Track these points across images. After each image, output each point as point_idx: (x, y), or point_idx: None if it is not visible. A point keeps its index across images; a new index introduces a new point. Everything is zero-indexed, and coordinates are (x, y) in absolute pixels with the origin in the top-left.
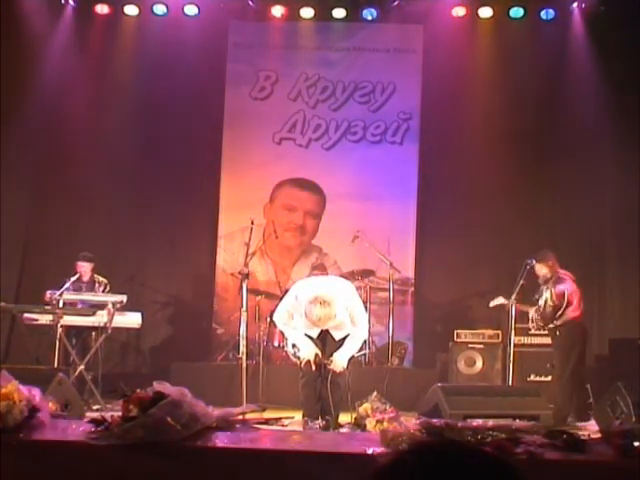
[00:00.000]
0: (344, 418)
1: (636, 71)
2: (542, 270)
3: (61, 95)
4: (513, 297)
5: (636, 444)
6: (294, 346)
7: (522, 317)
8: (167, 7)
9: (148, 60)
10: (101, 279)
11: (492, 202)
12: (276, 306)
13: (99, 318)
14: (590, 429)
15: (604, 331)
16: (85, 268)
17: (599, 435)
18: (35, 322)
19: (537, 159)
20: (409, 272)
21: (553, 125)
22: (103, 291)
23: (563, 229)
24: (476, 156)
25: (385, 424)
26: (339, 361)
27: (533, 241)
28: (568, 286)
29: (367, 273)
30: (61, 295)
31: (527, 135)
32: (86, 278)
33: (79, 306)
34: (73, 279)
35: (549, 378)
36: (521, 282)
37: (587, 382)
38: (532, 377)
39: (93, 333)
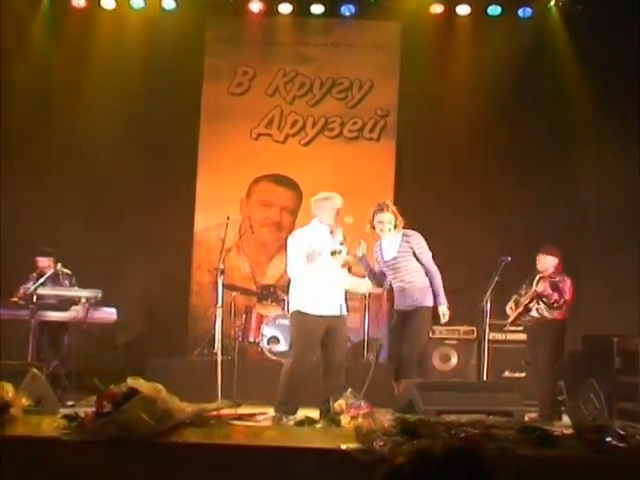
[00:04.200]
0: (313, 414)
1: (614, 69)
2: (553, 261)
3: (36, 88)
4: (488, 294)
5: (608, 440)
6: (270, 341)
7: (497, 313)
8: (144, 1)
9: (124, 55)
10: (65, 271)
11: (469, 199)
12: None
13: (74, 313)
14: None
15: (577, 328)
16: (44, 263)
17: (572, 431)
18: (8, 317)
19: (516, 156)
20: None
21: (532, 122)
22: (70, 284)
23: (539, 227)
24: (454, 153)
25: (359, 420)
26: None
27: (508, 239)
28: (569, 283)
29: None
30: (36, 290)
31: (505, 132)
32: (49, 272)
33: (51, 301)
34: (42, 276)
35: (523, 374)
36: (496, 279)
37: (560, 379)
38: (506, 373)
39: (67, 328)
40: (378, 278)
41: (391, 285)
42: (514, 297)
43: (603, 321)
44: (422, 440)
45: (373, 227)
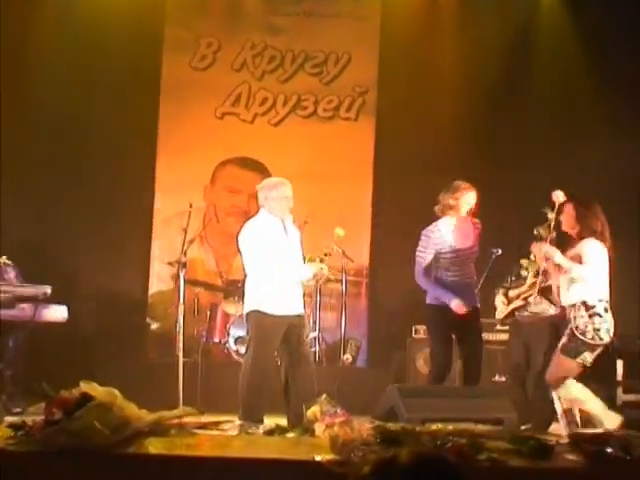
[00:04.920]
0: (284, 422)
1: (610, 44)
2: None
3: None
4: (476, 290)
5: (608, 450)
6: (237, 342)
7: (486, 311)
8: None
9: (76, 25)
10: (9, 264)
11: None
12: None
13: (20, 311)
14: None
15: None
16: None
17: (567, 441)
18: None
19: (505, 136)
20: (364, 261)
21: (521, 99)
22: (16, 277)
23: (532, 216)
24: (438, 134)
25: (335, 429)
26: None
27: (499, 229)
28: None
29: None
30: None
31: (494, 111)
32: None
33: None
34: None
35: None
36: (485, 274)
37: None
38: (497, 377)
39: (13, 328)
40: None
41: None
42: (501, 290)
43: None
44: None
45: (450, 208)
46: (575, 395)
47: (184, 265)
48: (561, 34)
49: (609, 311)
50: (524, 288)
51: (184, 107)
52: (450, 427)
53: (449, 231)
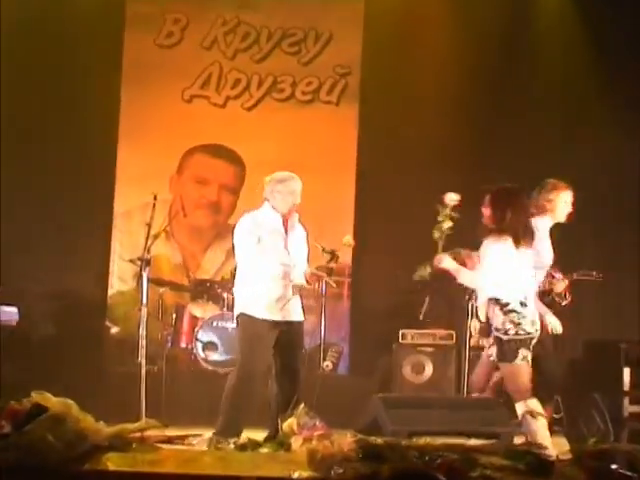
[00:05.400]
0: (257, 435)
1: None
2: None
3: None
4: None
5: (614, 467)
6: (206, 348)
7: None
8: None
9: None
10: None
11: (447, 173)
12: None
13: None
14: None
15: (578, 332)
16: None
17: (569, 456)
18: None
19: (500, 117)
20: (346, 258)
21: (518, 76)
22: None
23: None
24: (428, 119)
25: (314, 443)
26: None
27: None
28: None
29: None
30: None
31: (489, 91)
32: None
33: None
34: None
35: None
36: None
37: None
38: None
39: None
40: None
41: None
42: None
43: (609, 323)
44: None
45: (545, 211)
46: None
47: (147, 263)
48: (560, 19)
49: (528, 305)
50: None
51: (148, 89)
52: (440, 441)
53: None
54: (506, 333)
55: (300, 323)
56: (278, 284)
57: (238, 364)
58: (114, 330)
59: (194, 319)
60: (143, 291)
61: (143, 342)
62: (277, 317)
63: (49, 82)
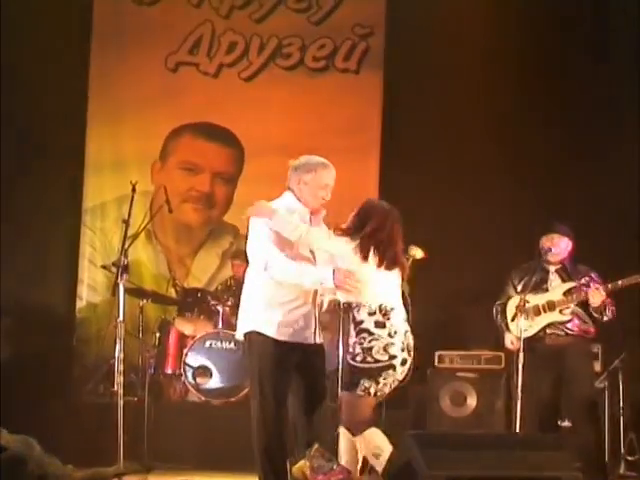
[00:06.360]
0: None
1: None
2: (567, 245)
3: None
4: (523, 298)
5: None
6: (197, 374)
7: None
8: None
9: None
10: None
11: (488, 156)
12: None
13: None
14: None
15: None
16: None
17: None
18: None
19: (547, 93)
20: None
21: (566, 44)
22: None
23: (584, 198)
24: (465, 89)
25: None
26: None
27: (546, 213)
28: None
29: None
30: None
31: (535, 60)
32: None
33: None
34: None
35: None
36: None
37: (629, 429)
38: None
39: None
40: None
41: None
42: (511, 301)
43: None
44: None
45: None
46: (378, 444)
47: (125, 269)
48: None
49: (387, 325)
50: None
51: (124, 56)
52: None
53: None
54: (353, 358)
55: (320, 345)
56: (297, 295)
57: (257, 402)
58: (84, 351)
59: (182, 338)
60: (120, 304)
61: (120, 367)
62: (296, 338)
63: (14, 52)
